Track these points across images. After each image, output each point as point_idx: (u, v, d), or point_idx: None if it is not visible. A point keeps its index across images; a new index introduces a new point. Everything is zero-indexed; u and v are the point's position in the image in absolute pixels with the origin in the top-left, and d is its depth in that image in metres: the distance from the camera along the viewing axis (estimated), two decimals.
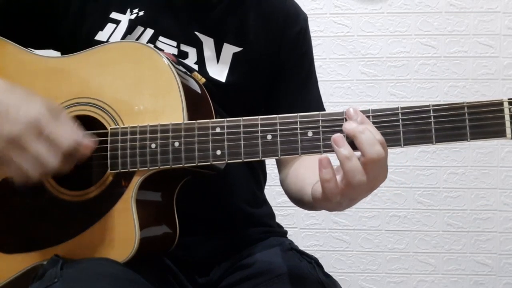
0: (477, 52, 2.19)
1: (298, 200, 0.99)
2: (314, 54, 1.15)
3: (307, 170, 0.98)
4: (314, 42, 1.16)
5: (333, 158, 0.72)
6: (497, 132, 0.73)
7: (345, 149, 0.72)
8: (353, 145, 0.72)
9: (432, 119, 0.74)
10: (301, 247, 1.05)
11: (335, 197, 0.73)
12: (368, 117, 0.75)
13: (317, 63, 1.16)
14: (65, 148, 0.78)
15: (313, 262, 0.98)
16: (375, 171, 0.72)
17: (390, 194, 2.23)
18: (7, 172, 0.80)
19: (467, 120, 0.74)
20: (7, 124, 0.76)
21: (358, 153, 0.73)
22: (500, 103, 0.73)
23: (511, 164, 2.20)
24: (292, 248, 1.04)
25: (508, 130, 0.73)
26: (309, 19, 1.13)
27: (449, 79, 2.20)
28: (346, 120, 0.75)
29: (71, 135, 0.80)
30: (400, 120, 0.75)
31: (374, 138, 0.71)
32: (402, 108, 0.75)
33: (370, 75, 2.23)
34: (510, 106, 0.73)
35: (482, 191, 2.21)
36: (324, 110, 1.09)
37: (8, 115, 0.76)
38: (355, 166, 0.71)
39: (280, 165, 1.13)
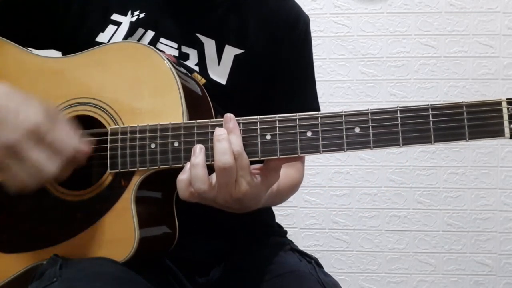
0: (477, 52, 2.19)
1: None
2: (314, 54, 1.15)
3: None
4: (314, 42, 1.16)
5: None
6: (496, 131, 0.73)
7: (195, 159, 0.78)
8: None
9: (431, 119, 0.74)
10: (301, 247, 1.05)
11: (187, 197, 0.80)
12: (366, 115, 0.75)
13: (317, 63, 1.16)
14: (64, 156, 0.77)
15: (313, 262, 0.98)
16: (224, 180, 0.77)
17: (390, 194, 2.23)
18: (3, 178, 0.80)
19: (465, 120, 0.74)
20: (5, 130, 0.74)
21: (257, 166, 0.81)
22: (499, 103, 0.73)
23: (511, 164, 2.20)
24: (292, 248, 1.04)
25: (506, 130, 0.73)
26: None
27: (449, 79, 2.20)
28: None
29: (70, 142, 0.79)
30: (399, 119, 0.75)
31: (228, 148, 0.76)
32: (401, 108, 0.75)
33: (370, 75, 2.23)
34: (509, 106, 0.73)
35: (482, 191, 2.21)
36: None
37: (6, 122, 0.75)
38: (197, 174, 0.77)
39: None
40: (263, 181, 0.81)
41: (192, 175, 0.78)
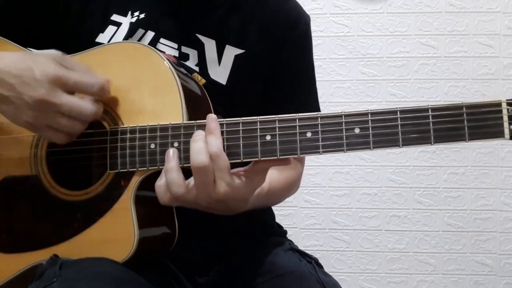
0: (477, 52, 2.19)
1: None
2: (314, 54, 1.15)
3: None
4: (314, 42, 1.16)
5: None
6: (496, 132, 0.73)
7: (169, 163, 0.78)
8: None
9: (431, 120, 0.74)
10: (301, 247, 1.05)
11: (167, 202, 0.80)
12: (366, 116, 0.75)
13: (317, 63, 1.16)
14: (95, 89, 0.80)
15: (313, 262, 0.98)
16: (201, 181, 0.77)
17: (390, 194, 2.23)
18: (50, 137, 0.81)
19: (465, 121, 0.74)
20: (29, 89, 0.76)
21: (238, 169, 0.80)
22: (499, 104, 0.73)
23: (511, 164, 2.20)
24: (292, 248, 1.04)
25: (506, 131, 0.73)
26: None
27: (449, 79, 2.20)
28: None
29: (91, 76, 0.81)
30: (399, 120, 0.74)
31: (203, 148, 0.76)
32: (401, 108, 0.75)
33: (370, 75, 2.23)
34: (509, 107, 0.73)
35: (482, 191, 2.21)
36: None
37: (25, 81, 0.76)
38: (173, 178, 0.77)
39: None
40: (247, 183, 0.80)
41: (168, 180, 0.78)
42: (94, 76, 0.82)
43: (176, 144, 0.82)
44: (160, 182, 0.79)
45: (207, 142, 0.76)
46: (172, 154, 0.79)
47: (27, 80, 0.76)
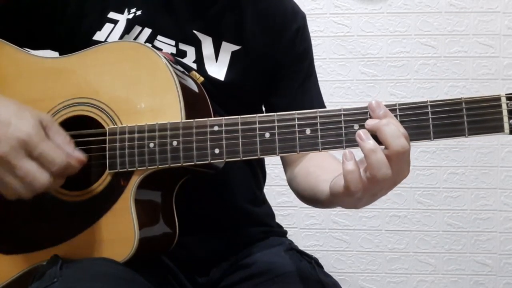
0: (477, 52, 2.19)
1: (311, 198, 0.97)
2: (314, 54, 1.15)
3: (318, 168, 0.98)
4: (314, 42, 1.16)
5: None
6: (495, 127, 0.73)
7: (371, 142, 0.71)
8: (377, 141, 0.72)
9: (430, 115, 0.74)
10: (301, 247, 1.05)
11: (357, 191, 0.72)
12: (366, 113, 0.75)
13: (317, 63, 1.16)
14: (57, 167, 0.77)
15: (313, 262, 0.98)
16: (399, 165, 0.71)
17: (390, 194, 2.20)
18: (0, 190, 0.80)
19: (465, 116, 0.74)
20: None
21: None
22: (498, 98, 0.73)
23: (511, 164, 2.20)
24: (292, 248, 1.04)
25: (506, 125, 0.73)
26: (309, 19, 1.13)
27: (449, 79, 2.20)
28: (369, 115, 0.75)
29: (62, 153, 0.79)
30: (398, 117, 0.74)
31: (399, 131, 0.71)
32: (400, 105, 0.75)
33: (370, 75, 2.23)
34: (508, 101, 0.73)
35: (482, 191, 2.21)
36: (325, 107, 1.08)
37: None
38: (381, 159, 0.70)
39: (285, 165, 1.12)
40: None
41: (375, 161, 0.70)
42: (65, 153, 0.79)
43: (175, 143, 0.82)
44: (352, 167, 0.71)
45: (395, 125, 0.71)
46: (365, 133, 0.72)
47: (0, 133, 0.76)
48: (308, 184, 0.98)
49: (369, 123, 0.73)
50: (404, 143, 0.70)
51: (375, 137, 0.72)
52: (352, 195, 0.73)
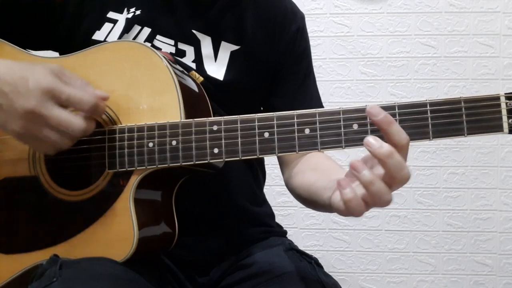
0: (477, 52, 2.19)
1: (308, 201, 0.97)
2: (314, 54, 1.15)
3: (315, 172, 0.97)
4: (314, 42, 1.16)
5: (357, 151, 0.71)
6: (494, 126, 0.73)
7: (385, 146, 0.68)
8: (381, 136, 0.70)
9: (429, 114, 0.74)
10: (301, 247, 1.05)
11: (360, 212, 0.71)
12: (365, 112, 0.75)
13: (317, 63, 1.16)
14: (87, 106, 0.78)
15: (313, 262, 0.98)
16: (399, 187, 0.71)
17: None
18: (36, 148, 0.81)
19: (464, 115, 0.73)
20: (21, 99, 0.75)
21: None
22: (497, 98, 0.73)
23: (511, 164, 2.20)
24: (292, 248, 1.04)
25: (505, 125, 0.73)
26: (309, 19, 1.13)
27: (449, 79, 2.20)
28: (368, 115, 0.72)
29: (87, 92, 0.79)
30: (397, 115, 0.74)
31: (402, 162, 0.69)
32: (399, 104, 0.75)
33: (370, 75, 2.22)
34: (507, 101, 0.73)
35: (482, 191, 2.21)
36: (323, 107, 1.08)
37: (18, 91, 0.75)
38: (380, 188, 0.69)
39: (282, 165, 1.12)
40: None
41: (392, 165, 0.68)
42: (90, 93, 0.80)
43: (174, 143, 0.82)
44: (349, 196, 0.70)
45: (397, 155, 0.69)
46: (376, 139, 0.68)
47: (21, 89, 0.75)
48: (309, 190, 0.97)
49: (377, 118, 0.69)
50: (407, 174, 0.69)
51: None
52: (356, 216, 0.73)
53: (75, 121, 0.77)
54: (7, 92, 0.76)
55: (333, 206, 0.77)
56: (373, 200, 0.70)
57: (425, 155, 2.22)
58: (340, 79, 2.23)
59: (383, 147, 0.67)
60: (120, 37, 0.99)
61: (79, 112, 0.79)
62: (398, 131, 0.69)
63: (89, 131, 0.81)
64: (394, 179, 0.69)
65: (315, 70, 1.16)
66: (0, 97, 0.76)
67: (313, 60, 1.16)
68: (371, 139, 0.68)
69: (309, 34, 1.14)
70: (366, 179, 0.69)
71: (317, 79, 1.16)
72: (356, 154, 2.20)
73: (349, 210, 0.72)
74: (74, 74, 0.82)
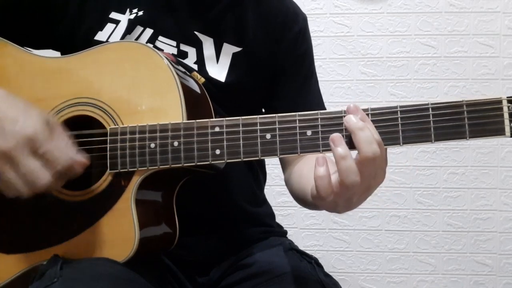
0: (477, 52, 2.19)
1: (301, 199, 0.99)
2: (314, 54, 1.15)
3: (311, 170, 0.98)
4: (314, 42, 1.16)
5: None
6: (496, 130, 0.73)
7: (341, 149, 0.72)
8: (351, 144, 0.73)
9: (431, 118, 0.74)
10: (301, 247, 1.05)
11: (328, 195, 0.74)
12: (367, 115, 0.75)
13: (317, 63, 1.16)
14: (59, 167, 0.77)
15: (313, 262, 0.98)
16: (370, 171, 0.73)
17: (390, 194, 2.23)
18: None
19: (466, 119, 0.73)
20: (1, 138, 0.75)
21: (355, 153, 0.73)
22: (499, 101, 0.73)
23: (511, 164, 2.20)
24: (292, 248, 1.04)
25: (507, 128, 0.72)
26: (309, 19, 1.13)
27: (449, 79, 2.20)
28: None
29: (66, 154, 0.79)
30: (399, 119, 0.74)
31: (372, 137, 0.72)
32: (401, 107, 0.75)
33: (370, 75, 2.23)
34: (509, 104, 0.72)
35: (482, 191, 2.21)
36: (325, 109, 1.09)
37: (4, 129, 0.76)
38: (350, 165, 0.71)
39: (283, 165, 1.13)
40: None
41: (344, 168, 0.71)
42: (69, 154, 0.79)
43: (176, 144, 0.82)
44: (323, 173, 0.73)
45: (370, 130, 0.72)
46: (339, 138, 0.73)
47: (7, 129, 0.76)
48: (300, 185, 0.99)
49: (348, 121, 0.73)
50: (375, 150, 0.71)
51: (350, 140, 0.73)
52: (323, 199, 0.74)
53: (42, 176, 0.76)
54: None
55: (311, 192, 0.79)
56: (341, 178, 0.72)
57: (425, 155, 2.22)
58: (340, 79, 2.23)
59: (340, 149, 0.72)
60: (122, 38, 0.99)
61: (50, 168, 0.78)
62: (365, 141, 0.71)
63: (54, 188, 0.82)
64: (343, 182, 0.72)
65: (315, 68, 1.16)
66: None
67: (314, 59, 1.15)
68: (335, 137, 0.73)
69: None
70: (339, 153, 0.72)
71: (317, 79, 1.16)
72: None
73: (317, 189, 0.73)
74: (64, 132, 0.81)
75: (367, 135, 0.71)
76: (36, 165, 0.76)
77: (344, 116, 0.75)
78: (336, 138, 0.73)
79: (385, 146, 0.75)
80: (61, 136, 0.80)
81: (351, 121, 0.73)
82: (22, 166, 0.75)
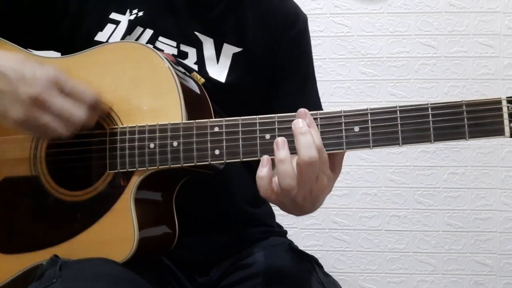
0: (477, 52, 2.19)
1: None
2: (314, 54, 1.15)
3: None
4: (314, 42, 1.16)
5: None
6: (496, 130, 0.73)
7: (281, 152, 0.74)
8: None
9: (431, 118, 0.74)
10: (301, 247, 1.05)
11: (268, 196, 0.76)
12: (366, 115, 0.75)
13: (317, 63, 1.16)
14: (89, 99, 0.80)
15: (313, 262, 0.98)
16: (310, 175, 0.74)
17: (390, 194, 2.23)
18: (36, 132, 0.82)
19: (465, 119, 0.73)
20: (25, 85, 0.77)
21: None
22: (499, 102, 0.73)
23: (511, 164, 2.20)
24: (292, 248, 1.04)
25: (506, 129, 0.72)
26: (309, 19, 1.13)
27: (449, 79, 2.20)
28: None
29: (88, 89, 0.82)
30: (399, 119, 0.74)
31: (312, 142, 0.73)
32: (401, 107, 0.75)
33: (370, 75, 2.23)
34: (509, 105, 0.72)
35: (482, 191, 2.21)
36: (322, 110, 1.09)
37: (24, 78, 0.77)
38: (286, 169, 0.73)
39: None
40: (334, 175, 0.80)
41: (281, 171, 0.73)
42: (92, 90, 0.83)
43: (175, 144, 0.82)
44: (264, 174, 0.75)
45: (313, 136, 0.74)
46: (282, 143, 0.75)
47: (27, 76, 0.77)
48: None
49: (293, 127, 0.75)
50: (312, 154, 0.72)
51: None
52: (266, 199, 0.77)
53: (77, 111, 0.79)
54: (12, 78, 0.77)
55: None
56: (279, 180, 0.74)
57: (425, 155, 2.22)
58: (340, 79, 2.23)
59: (281, 153, 0.74)
60: (123, 38, 0.99)
61: (81, 103, 0.81)
62: (304, 145, 0.73)
63: (89, 124, 0.83)
64: (280, 185, 0.74)
65: (315, 70, 1.16)
66: (5, 84, 0.77)
67: (313, 60, 1.15)
68: (279, 141, 0.75)
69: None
70: (279, 156, 0.74)
71: (317, 79, 1.16)
72: (356, 155, 2.21)
73: (259, 189, 0.75)
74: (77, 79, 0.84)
75: (308, 139, 0.73)
76: (68, 102, 0.79)
77: (343, 114, 0.76)
78: (280, 142, 0.75)
79: (385, 147, 0.75)
80: (76, 80, 0.83)
81: (297, 125, 0.75)
82: (55, 107, 0.78)
